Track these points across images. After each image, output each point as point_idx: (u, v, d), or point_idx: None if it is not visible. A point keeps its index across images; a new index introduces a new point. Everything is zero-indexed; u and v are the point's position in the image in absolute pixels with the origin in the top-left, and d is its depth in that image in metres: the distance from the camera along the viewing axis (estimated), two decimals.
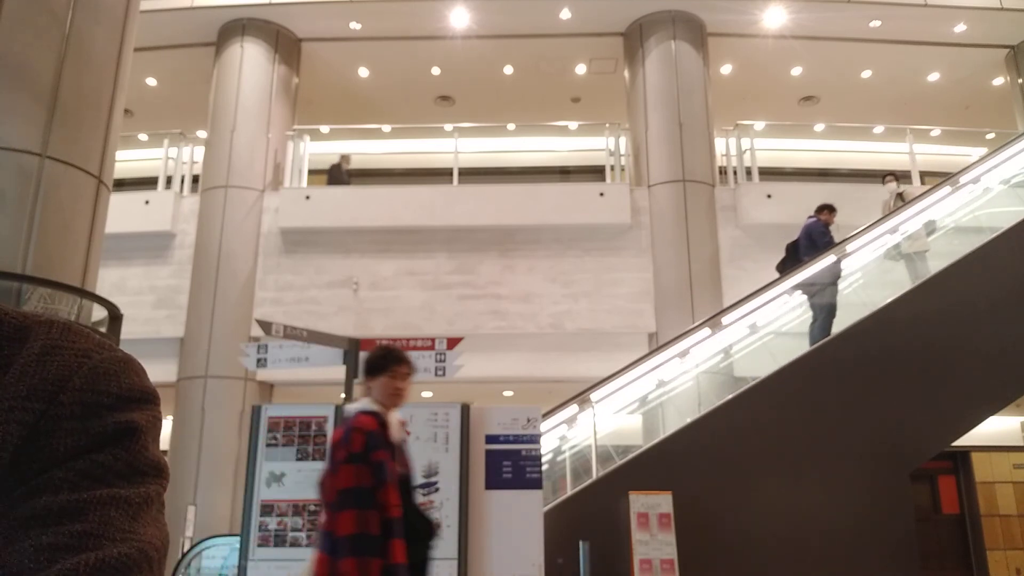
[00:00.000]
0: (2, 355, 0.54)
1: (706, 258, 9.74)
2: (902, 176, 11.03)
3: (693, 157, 10.13)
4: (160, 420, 0.61)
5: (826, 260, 6.99)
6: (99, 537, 0.50)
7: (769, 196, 10.10)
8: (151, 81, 11.86)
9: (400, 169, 12.72)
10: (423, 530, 2.81)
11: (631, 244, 9.92)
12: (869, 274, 7.27)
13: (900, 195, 8.00)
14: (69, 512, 0.51)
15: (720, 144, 11.04)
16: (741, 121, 11.02)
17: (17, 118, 4.72)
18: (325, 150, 11.79)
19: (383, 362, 2.86)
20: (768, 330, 7.08)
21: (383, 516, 2.55)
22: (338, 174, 10.75)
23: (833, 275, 6.99)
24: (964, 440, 6.30)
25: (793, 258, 7.48)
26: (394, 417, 2.84)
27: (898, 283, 6.69)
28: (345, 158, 10.88)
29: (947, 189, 7.26)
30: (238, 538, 3.95)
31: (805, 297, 7.04)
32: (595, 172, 11.37)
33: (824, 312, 6.75)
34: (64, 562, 0.48)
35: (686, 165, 10.06)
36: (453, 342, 4.51)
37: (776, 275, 7.23)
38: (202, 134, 10.82)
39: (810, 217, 7.64)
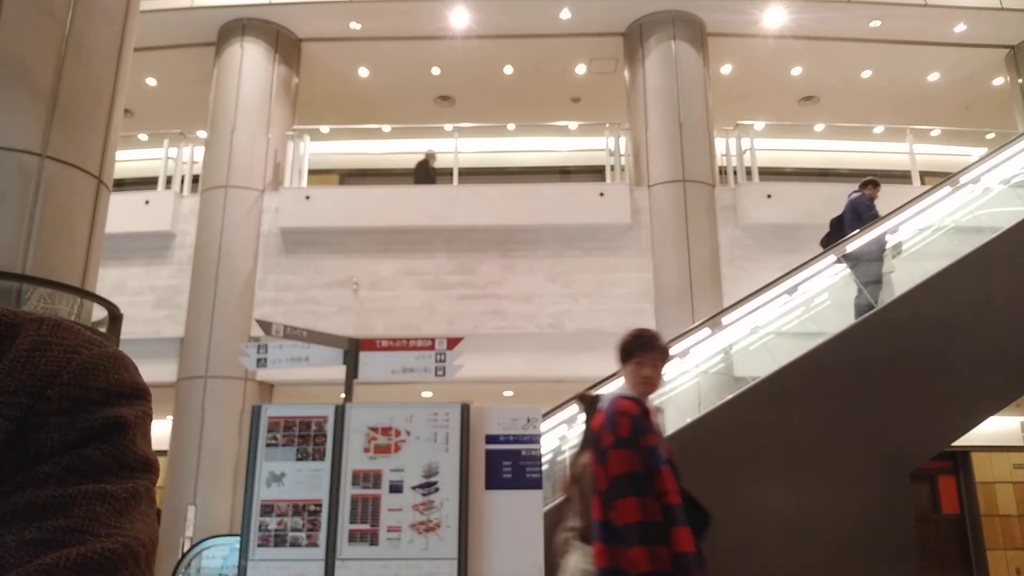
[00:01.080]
0: None
1: (706, 258, 9.74)
2: (902, 177, 11.06)
3: (693, 157, 10.13)
4: (150, 416, 0.60)
5: (826, 259, 6.99)
6: (83, 532, 0.50)
7: (769, 196, 10.10)
8: (151, 81, 11.86)
9: (400, 169, 12.70)
10: (698, 518, 2.68)
11: (631, 244, 9.91)
12: (835, 295, 7.21)
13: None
14: (54, 507, 0.51)
15: (720, 144, 11.04)
16: (741, 121, 11.02)
17: (17, 118, 4.72)
18: (325, 150, 11.80)
19: (629, 348, 2.79)
20: (768, 330, 7.07)
21: (662, 503, 2.47)
22: (424, 172, 10.72)
23: (879, 247, 7.04)
24: (964, 440, 6.30)
25: (838, 233, 7.61)
26: (651, 404, 2.74)
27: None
28: (431, 155, 10.84)
29: (914, 209, 7.20)
30: (238, 538, 3.95)
31: (849, 271, 7.10)
32: (595, 172, 11.37)
33: (870, 284, 6.81)
34: (45, 557, 0.48)
35: (686, 165, 10.06)
36: (453, 342, 4.51)
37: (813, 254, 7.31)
38: (202, 134, 10.82)
39: (854, 192, 7.82)
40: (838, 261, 7.02)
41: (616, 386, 2.80)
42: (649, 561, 2.35)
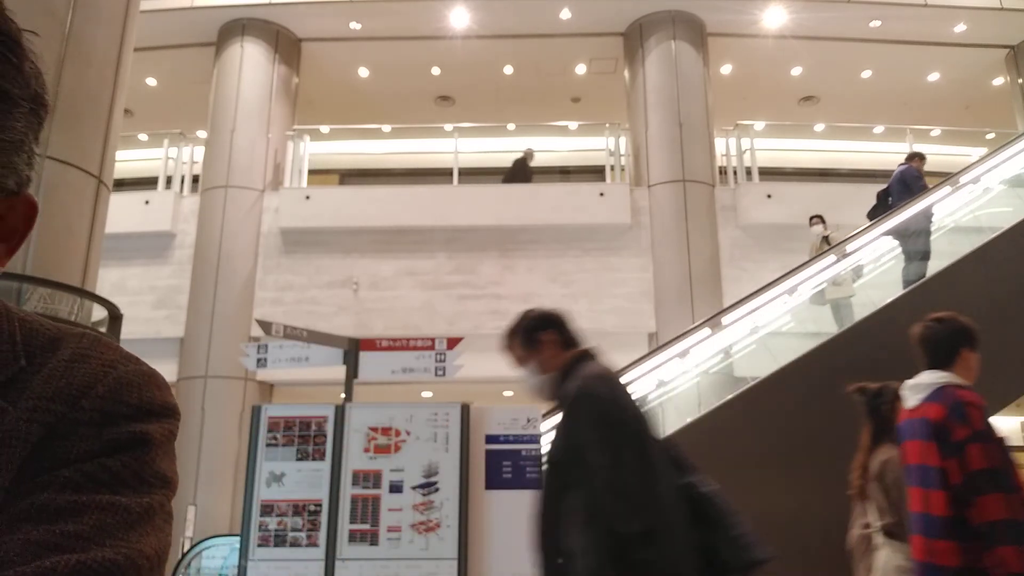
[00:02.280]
0: (35, 363, 0.56)
1: (706, 258, 9.74)
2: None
3: (693, 157, 10.13)
4: (175, 435, 0.63)
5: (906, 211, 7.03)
6: (88, 540, 0.51)
7: (769, 196, 10.10)
8: (151, 81, 11.86)
9: (400, 169, 12.71)
10: None
11: (631, 244, 9.91)
12: (798, 317, 7.17)
13: (826, 238, 8.03)
14: (66, 512, 0.51)
15: (720, 144, 11.03)
16: (741, 121, 11.02)
17: None
18: (325, 150, 11.79)
19: (961, 337, 2.67)
20: (768, 330, 7.07)
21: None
22: (522, 169, 10.70)
23: (926, 218, 7.05)
24: None
25: (884, 205, 7.64)
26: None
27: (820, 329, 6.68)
28: (529, 154, 10.80)
29: (874, 233, 7.19)
30: (238, 538, 3.95)
31: (897, 242, 7.11)
32: (595, 172, 11.36)
33: (918, 255, 6.79)
34: (45, 559, 0.49)
35: (686, 165, 10.05)
36: (453, 342, 4.51)
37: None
38: (202, 134, 10.82)
39: (901, 164, 7.90)
40: (839, 260, 7.03)
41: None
42: (1021, 561, 2.24)
